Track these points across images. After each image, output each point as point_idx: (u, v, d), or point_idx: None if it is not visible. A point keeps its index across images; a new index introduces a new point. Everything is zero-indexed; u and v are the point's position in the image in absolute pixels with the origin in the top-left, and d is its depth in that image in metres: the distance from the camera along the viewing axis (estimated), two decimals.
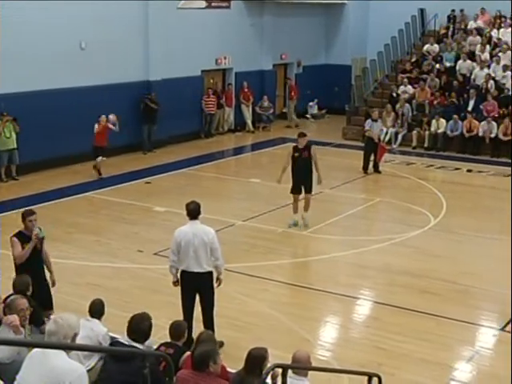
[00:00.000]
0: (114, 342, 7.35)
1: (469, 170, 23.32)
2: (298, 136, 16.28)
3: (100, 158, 20.49)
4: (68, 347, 5.44)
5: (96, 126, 20.36)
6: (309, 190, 16.25)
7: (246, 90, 28.97)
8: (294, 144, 16.41)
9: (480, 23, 30.84)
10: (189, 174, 21.71)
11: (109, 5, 22.54)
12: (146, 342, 7.09)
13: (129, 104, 23.89)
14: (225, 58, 28.21)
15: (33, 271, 9.51)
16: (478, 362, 10.75)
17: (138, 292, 12.54)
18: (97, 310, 8.49)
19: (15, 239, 9.86)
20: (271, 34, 29.94)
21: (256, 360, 7.02)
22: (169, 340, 7.85)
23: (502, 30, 29.95)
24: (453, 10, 31.85)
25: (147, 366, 6.11)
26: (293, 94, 30.93)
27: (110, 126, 20.69)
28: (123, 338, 7.06)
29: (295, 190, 16.26)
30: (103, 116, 20.59)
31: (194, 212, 10.18)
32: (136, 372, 6.27)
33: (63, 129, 21.28)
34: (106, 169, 20.94)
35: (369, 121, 23.31)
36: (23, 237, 9.88)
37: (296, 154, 15.99)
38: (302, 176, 16.06)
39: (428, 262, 14.62)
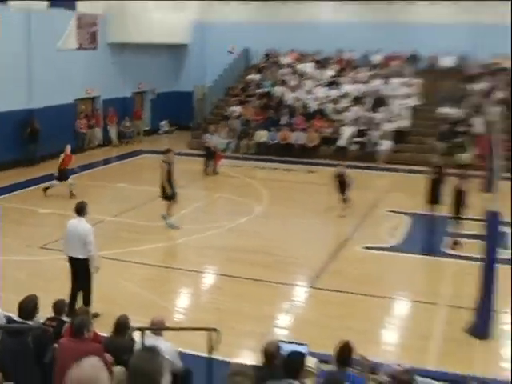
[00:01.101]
0: (10, 320, 7.25)
1: (285, 170, 24.03)
2: (166, 151, 15.62)
3: None
4: None
5: None
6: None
7: (111, 113, 28.63)
8: (164, 158, 15.58)
9: (289, 59, 31.62)
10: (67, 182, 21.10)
11: None
12: (35, 319, 7.04)
13: (14, 127, 23.23)
14: (93, 88, 27.76)
15: None
16: (294, 311, 11.18)
17: (29, 279, 12.24)
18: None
19: None
20: (130, 68, 29.70)
21: (121, 325, 7.13)
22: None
23: (304, 64, 30.90)
24: (269, 50, 32.57)
25: (30, 337, 6.17)
26: (138, 115, 30.75)
27: None
28: (17, 317, 7.01)
29: (174, 197, 15.67)
30: None
31: (78, 209, 10.29)
32: (23, 342, 6.32)
33: None
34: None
35: (207, 134, 23.60)
36: None
37: (168, 168, 15.36)
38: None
39: (255, 240, 14.95)
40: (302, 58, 31.50)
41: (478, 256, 10.48)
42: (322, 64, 30.82)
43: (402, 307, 11.71)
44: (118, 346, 6.77)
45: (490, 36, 28.04)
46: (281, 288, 12.22)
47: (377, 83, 28.81)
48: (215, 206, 19.48)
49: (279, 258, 13.80)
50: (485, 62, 29.00)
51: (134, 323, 7.41)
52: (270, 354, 6.15)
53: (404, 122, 26.68)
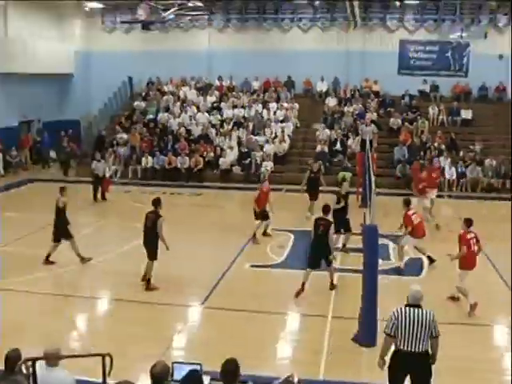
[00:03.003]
0: None
1: (172, 194, 23.79)
2: (61, 190, 14.84)
3: None
4: None
5: None
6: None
7: None
8: (63, 198, 14.74)
9: (171, 86, 31.52)
10: None
11: None
12: None
13: None
14: None
15: None
16: (189, 332, 11.02)
17: None
18: None
19: None
20: (15, 97, 28.49)
21: (11, 360, 6.69)
22: None
23: (187, 91, 30.87)
24: (152, 77, 32.36)
25: None
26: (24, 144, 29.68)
27: None
28: None
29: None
30: None
31: None
32: None
33: None
34: None
35: (95, 161, 22.99)
36: None
37: (61, 206, 14.63)
38: None
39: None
40: (184, 85, 31.47)
41: (361, 268, 10.71)
42: (204, 91, 30.92)
43: (291, 321, 11.77)
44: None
45: (360, 62, 29.42)
46: (175, 309, 12.01)
47: (257, 108, 29.23)
48: (105, 231, 18.92)
49: (171, 279, 13.58)
50: (356, 87, 30.28)
51: (27, 355, 6.98)
52: (157, 374, 5.96)
53: (283, 144, 27.15)
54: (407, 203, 14.63)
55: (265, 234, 17.40)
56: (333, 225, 12.98)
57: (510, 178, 24.89)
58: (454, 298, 12.46)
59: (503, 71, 29.80)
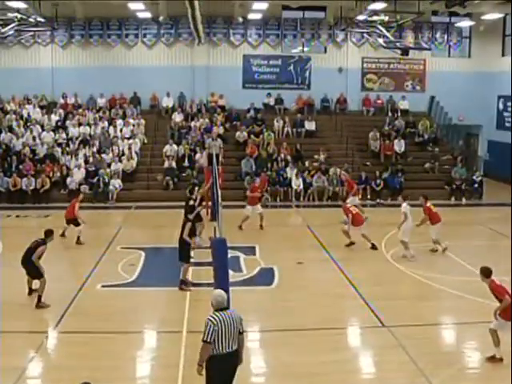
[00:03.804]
0: None
1: (18, 216, 23.01)
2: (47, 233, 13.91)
3: None
4: None
5: None
6: None
7: None
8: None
9: (13, 105, 30.35)
10: None
11: None
12: None
13: None
14: None
15: None
16: (42, 359, 10.70)
17: None
18: None
19: None
20: None
21: None
22: None
23: (30, 110, 29.99)
24: None
25: None
26: None
27: None
28: None
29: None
30: None
31: None
32: None
33: None
34: None
35: None
36: None
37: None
38: None
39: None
40: (27, 103, 30.49)
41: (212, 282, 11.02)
42: (48, 109, 30.14)
43: (147, 339, 11.89)
44: None
45: (205, 77, 30.14)
46: (26, 336, 11.68)
47: (103, 125, 28.98)
48: None
49: (22, 303, 13.21)
50: (202, 101, 30.84)
51: None
52: None
53: (131, 161, 27.09)
54: (426, 197, 17.35)
55: (78, 240, 18.49)
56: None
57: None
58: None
59: (343, 83, 31.65)
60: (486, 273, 10.39)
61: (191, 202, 17.00)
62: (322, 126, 30.68)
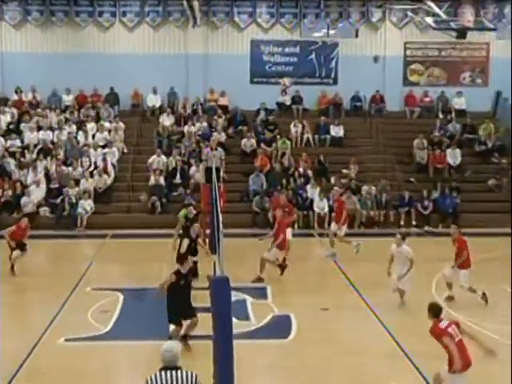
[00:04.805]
0: None
1: None
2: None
3: None
4: None
5: None
6: None
7: None
8: None
9: None
10: None
11: None
12: None
13: None
14: None
15: None
16: None
17: None
18: None
19: None
20: None
21: None
22: None
23: None
24: None
25: None
26: None
27: None
28: None
29: None
30: None
31: None
32: None
33: None
34: None
35: None
36: None
37: None
38: None
39: None
40: None
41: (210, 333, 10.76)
42: None
43: None
44: None
45: (202, 69, 30.06)
46: None
47: (70, 129, 28.89)
48: None
49: None
50: (199, 100, 30.74)
51: None
52: None
53: (106, 177, 26.94)
54: (457, 226, 17.16)
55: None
56: None
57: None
58: None
59: (379, 76, 31.52)
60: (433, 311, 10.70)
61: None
62: (352, 131, 30.63)
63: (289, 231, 20.21)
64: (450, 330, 10.35)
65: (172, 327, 13.52)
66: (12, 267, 18.88)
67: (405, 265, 16.22)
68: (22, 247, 19.18)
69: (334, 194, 23.30)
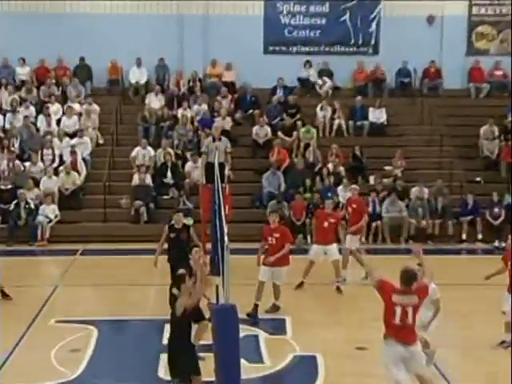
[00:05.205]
0: None
1: None
2: None
3: None
4: None
5: None
6: None
7: None
8: None
9: None
10: None
11: None
12: None
13: None
14: None
15: None
16: None
17: None
18: None
19: None
20: None
21: None
22: None
23: None
24: None
25: None
26: None
27: None
28: None
29: None
30: None
31: None
32: None
33: None
34: None
35: None
36: None
37: None
38: None
39: None
40: None
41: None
42: None
43: None
44: None
45: (201, 33, 30.24)
46: None
47: (27, 112, 28.99)
48: None
49: None
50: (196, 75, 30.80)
51: None
52: None
53: (74, 174, 27.00)
54: None
55: None
56: None
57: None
58: None
59: (435, 43, 31.51)
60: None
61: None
62: (398, 116, 30.76)
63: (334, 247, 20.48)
64: None
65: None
66: None
67: (430, 309, 15.13)
68: None
69: (353, 193, 22.73)
